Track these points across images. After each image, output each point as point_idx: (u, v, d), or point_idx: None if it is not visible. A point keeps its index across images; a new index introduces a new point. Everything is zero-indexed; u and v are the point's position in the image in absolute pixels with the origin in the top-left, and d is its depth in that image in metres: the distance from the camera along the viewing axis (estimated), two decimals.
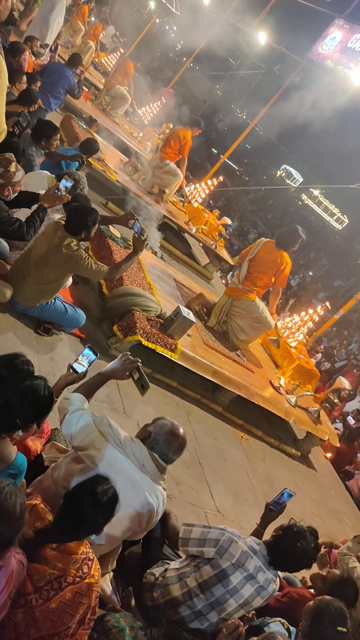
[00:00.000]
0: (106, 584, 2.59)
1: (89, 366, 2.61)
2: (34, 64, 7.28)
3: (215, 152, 9.07)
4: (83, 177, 4.50)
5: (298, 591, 3.22)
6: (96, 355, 2.63)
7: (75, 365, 2.59)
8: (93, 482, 2.01)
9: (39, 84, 6.46)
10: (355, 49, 10.14)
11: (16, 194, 3.37)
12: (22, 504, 1.67)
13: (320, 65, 10.80)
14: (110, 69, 12.30)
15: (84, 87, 9.81)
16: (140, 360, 2.68)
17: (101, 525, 2.01)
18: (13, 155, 3.26)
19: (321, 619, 2.30)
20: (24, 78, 5.62)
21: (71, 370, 2.59)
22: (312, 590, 3.38)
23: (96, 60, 12.70)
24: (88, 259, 3.71)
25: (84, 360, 2.60)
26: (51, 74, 7.25)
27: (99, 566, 2.06)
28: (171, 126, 9.56)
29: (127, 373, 2.65)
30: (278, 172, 34.28)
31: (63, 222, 3.71)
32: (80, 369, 2.59)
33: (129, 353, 2.73)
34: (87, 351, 2.61)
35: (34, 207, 3.71)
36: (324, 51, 10.89)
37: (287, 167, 34.50)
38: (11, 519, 1.63)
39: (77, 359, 2.60)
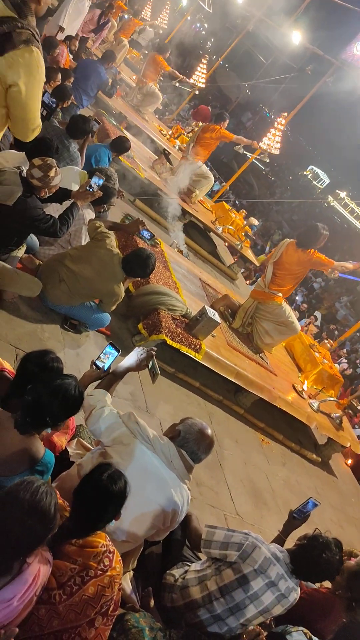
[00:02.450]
0: (126, 583, 2.59)
1: (111, 363, 2.64)
2: (70, 62, 7.33)
3: (241, 151, 8.99)
4: (114, 173, 4.53)
5: (309, 592, 3.17)
6: (118, 351, 2.66)
7: (98, 362, 2.62)
8: (98, 470, 2.02)
9: (72, 80, 6.50)
10: None
11: (51, 194, 3.40)
12: (57, 503, 1.69)
13: (354, 66, 10.65)
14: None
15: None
16: (155, 349, 2.70)
17: (114, 512, 2.01)
18: (54, 161, 3.29)
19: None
20: (59, 75, 5.66)
21: (94, 367, 2.61)
22: (324, 588, 3.32)
23: (129, 57, 12.72)
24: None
25: (107, 358, 2.63)
26: (84, 71, 7.28)
27: (120, 559, 2.07)
28: (200, 124, 9.53)
29: (144, 363, 2.70)
30: (305, 172, 33.99)
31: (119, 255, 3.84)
32: (103, 365, 2.62)
33: (142, 344, 2.76)
34: (109, 348, 2.65)
35: (66, 203, 3.74)
36: (359, 52, 10.72)
37: (314, 168, 34.15)
38: (46, 518, 1.64)
39: (99, 356, 2.63)
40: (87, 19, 8.99)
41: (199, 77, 12.00)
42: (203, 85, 12.14)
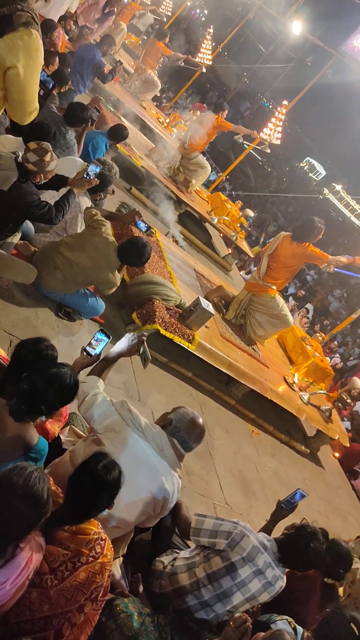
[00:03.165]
0: (116, 569, 2.63)
1: (102, 349, 2.65)
2: (66, 42, 7.23)
3: (240, 141, 8.95)
4: (115, 166, 4.51)
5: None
6: (109, 338, 2.68)
7: (89, 349, 2.63)
8: (93, 460, 2.04)
9: (70, 65, 6.43)
10: None
11: (47, 180, 3.39)
12: (49, 489, 1.71)
13: (354, 58, 10.60)
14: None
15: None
16: (146, 335, 2.73)
17: (108, 501, 2.03)
18: (50, 146, 3.27)
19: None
20: (57, 59, 5.59)
21: (84, 354, 2.63)
22: None
23: (127, 42, 12.57)
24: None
25: (97, 344, 2.64)
26: (82, 55, 7.20)
27: (112, 546, 2.10)
28: (198, 113, 9.48)
29: (135, 348, 2.71)
30: (301, 164, 33.88)
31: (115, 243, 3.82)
32: (93, 352, 2.63)
33: (136, 332, 2.77)
34: (99, 334, 2.66)
35: (62, 190, 3.73)
36: (359, 44, 10.68)
37: (311, 160, 34.05)
38: (39, 503, 1.67)
39: (90, 343, 2.64)
40: (92, 1, 8.76)
41: (205, 55, 11.76)
42: (210, 62, 11.88)
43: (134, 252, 3.81)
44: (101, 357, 2.70)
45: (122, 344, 2.73)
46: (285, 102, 9.46)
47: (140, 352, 2.70)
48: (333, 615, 2.50)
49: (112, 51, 7.45)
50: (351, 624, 2.40)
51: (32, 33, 2.36)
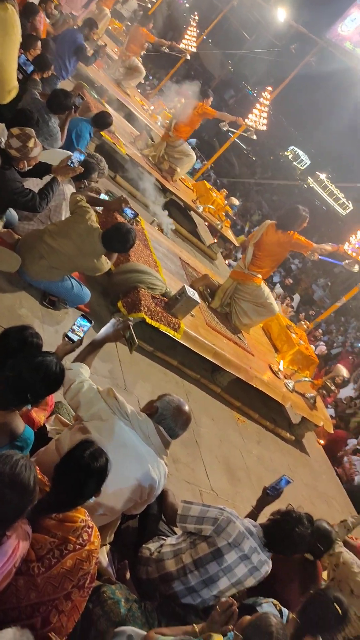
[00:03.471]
0: (103, 556, 2.64)
1: (84, 334, 2.64)
2: (47, 26, 7.09)
3: (226, 128, 8.89)
4: (103, 159, 4.48)
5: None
6: (91, 323, 2.66)
7: (71, 335, 2.61)
8: (80, 448, 2.03)
9: (52, 50, 6.31)
10: None
11: (31, 167, 3.34)
12: (36, 476, 1.71)
13: (338, 46, 10.59)
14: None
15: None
16: (132, 320, 2.72)
17: (95, 488, 2.03)
18: (33, 131, 3.22)
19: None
20: (39, 44, 5.48)
21: (66, 340, 2.61)
22: None
23: (111, 27, 12.39)
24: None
25: (80, 330, 2.62)
26: (64, 40, 7.08)
27: (99, 533, 2.11)
28: (183, 101, 9.41)
29: (120, 333, 2.70)
30: (286, 153, 33.87)
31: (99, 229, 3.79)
32: (75, 337, 2.61)
33: (121, 318, 2.76)
34: (81, 320, 2.64)
35: (46, 178, 3.69)
36: (344, 32, 10.65)
37: (295, 149, 34.04)
38: (26, 491, 1.66)
39: (72, 328, 2.62)
40: None
41: (189, 42, 11.63)
42: (195, 50, 11.74)
43: (118, 239, 3.79)
44: (84, 343, 2.68)
45: (108, 329, 2.71)
46: (269, 88, 9.41)
47: (127, 337, 2.69)
48: (317, 596, 2.56)
49: (95, 36, 7.30)
50: (334, 604, 2.46)
51: (7, 8, 2.31)
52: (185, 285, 4.74)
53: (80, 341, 2.63)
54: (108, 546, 2.72)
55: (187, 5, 25.96)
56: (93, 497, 2.04)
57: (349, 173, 22.15)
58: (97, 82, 8.82)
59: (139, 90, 11.60)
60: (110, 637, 2.14)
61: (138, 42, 9.70)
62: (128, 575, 2.72)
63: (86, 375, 2.57)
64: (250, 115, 8.97)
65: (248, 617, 2.07)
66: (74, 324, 2.62)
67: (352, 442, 8.08)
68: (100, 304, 4.53)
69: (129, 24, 13.11)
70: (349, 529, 4.11)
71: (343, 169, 24.63)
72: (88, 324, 2.64)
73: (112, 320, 2.73)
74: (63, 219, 4.12)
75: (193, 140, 14.13)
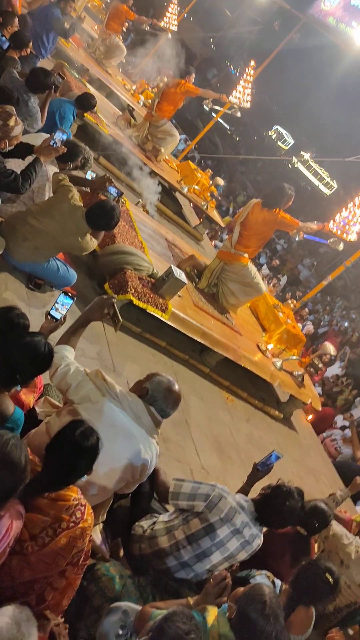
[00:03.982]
0: (96, 535, 2.66)
1: (66, 312, 2.62)
2: (22, 2, 6.90)
3: (209, 106, 8.82)
4: (91, 153, 4.44)
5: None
6: (73, 299, 2.65)
7: (53, 312, 2.60)
8: (71, 427, 2.04)
9: (30, 27, 6.17)
10: (358, 6, 9.83)
11: (12, 147, 3.28)
12: (27, 455, 1.71)
13: (321, 22, 10.48)
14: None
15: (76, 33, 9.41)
16: (115, 297, 2.70)
17: (86, 467, 2.04)
18: (14, 109, 3.15)
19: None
20: (16, 20, 5.35)
21: (50, 318, 2.59)
22: None
23: (89, 5, 12.12)
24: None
25: (60, 306, 2.61)
26: (40, 16, 6.90)
27: (92, 511, 2.12)
28: (165, 79, 9.27)
29: (105, 311, 2.67)
30: (270, 133, 33.67)
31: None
32: (58, 315, 2.60)
33: (105, 295, 2.73)
34: (63, 297, 2.62)
35: (29, 158, 3.62)
36: (326, 7, 10.53)
37: (279, 129, 33.85)
38: (17, 469, 1.66)
39: (55, 307, 2.60)
40: None
41: (171, 20, 11.41)
42: (176, 28, 11.55)
43: (102, 215, 3.74)
44: (68, 321, 2.65)
45: (91, 307, 2.68)
46: (252, 63, 9.29)
47: (111, 314, 2.67)
48: (309, 567, 2.61)
49: (71, 10, 7.07)
50: (326, 574, 2.51)
51: None
52: (172, 266, 4.72)
53: (64, 318, 2.61)
54: (101, 525, 2.73)
55: None
56: (85, 476, 2.05)
57: (333, 150, 22.08)
58: (78, 61, 8.66)
59: (120, 70, 11.41)
60: (106, 613, 2.16)
61: (118, 19, 9.51)
62: (121, 552, 2.75)
63: (71, 357, 2.55)
64: (234, 92, 8.87)
65: (241, 589, 2.10)
66: (56, 302, 2.60)
67: (339, 419, 8.20)
68: (87, 286, 4.50)
69: (108, 1, 12.83)
70: (337, 503, 4.19)
71: (327, 146, 24.55)
72: (70, 301, 2.62)
73: (96, 299, 2.70)
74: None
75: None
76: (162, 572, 2.66)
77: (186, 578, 2.66)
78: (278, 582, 2.71)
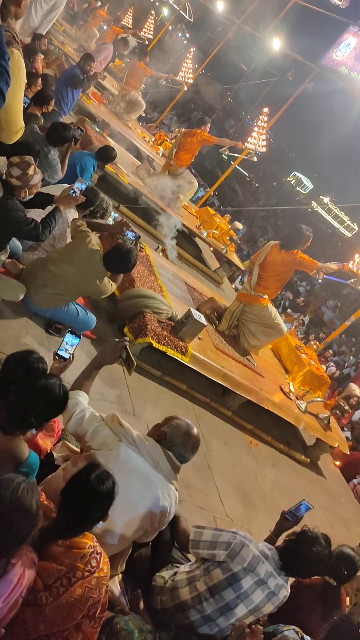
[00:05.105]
0: (115, 586, 2.57)
1: (73, 350, 2.61)
2: (42, 62, 7.28)
3: (226, 158, 9.03)
4: (110, 203, 4.59)
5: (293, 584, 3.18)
6: (79, 337, 2.64)
7: (61, 353, 2.58)
8: (86, 471, 1.99)
9: (53, 87, 6.49)
10: None
11: (32, 196, 3.38)
12: (38, 500, 1.67)
13: (334, 71, 10.78)
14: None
15: (96, 90, 9.86)
16: (127, 340, 2.67)
17: (102, 512, 1.98)
18: (32, 159, 3.27)
19: None
20: (39, 80, 5.65)
21: (58, 358, 2.57)
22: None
23: (110, 65, 12.75)
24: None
25: (68, 346, 2.60)
26: (62, 77, 7.28)
27: (107, 559, 2.04)
28: (182, 130, 9.57)
29: (117, 354, 2.63)
30: (288, 178, 34.25)
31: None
32: (66, 355, 2.58)
33: (117, 339, 2.71)
34: (70, 337, 2.62)
35: (49, 208, 3.73)
36: (338, 57, 10.86)
37: (297, 174, 34.44)
38: (28, 515, 1.62)
39: (61, 346, 2.59)
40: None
41: (186, 73, 11.89)
42: (191, 81, 12.01)
43: (119, 258, 3.80)
44: (73, 359, 2.63)
45: (104, 351, 2.66)
46: (266, 110, 9.56)
47: (124, 357, 2.64)
48: (342, 623, 2.46)
49: (89, 68, 7.38)
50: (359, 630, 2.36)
51: (13, 52, 2.37)
52: (192, 308, 4.73)
53: (72, 358, 2.60)
54: (120, 575, 2.64)
55: (185, 42, 26.73)
56: (101, 522, 1.99)
57: (352, 194, 22.29)
58: (99, 116, 9.02)
59: (140, 123, 11.84)
60: None
61: (136, 76, 9.95)
62: (142, 605, 2.63)
63: (85, 402, 2.52)
64: (249, 139, 9.09)
65: None
66: (63, 341, 2.59)
67: None
68: (107, 331, 4.52)
69: (128, 60, 13.48)
70: None
71: (346, 190, 24.81)
72: (77, 340, 2.62)
73: (108, 342, 2.68)
74: None
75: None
76: (184, 627, 2.53)
77: (210, 633, 2.53)
78: (308, 638, 2.55)
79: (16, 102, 2.49)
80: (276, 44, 11.40)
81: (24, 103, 4.54)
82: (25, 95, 4.68)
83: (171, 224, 6.95)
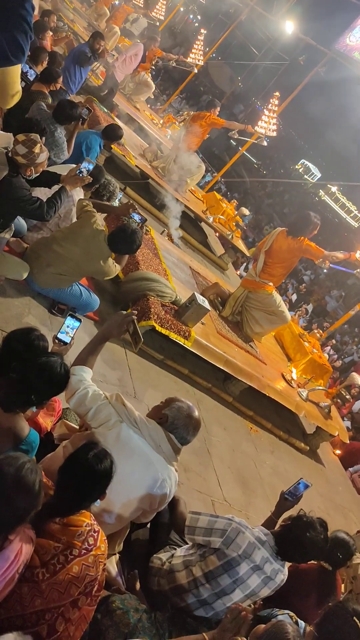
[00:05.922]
0: (112, 566, 2.58)
1: (74, 334, 2.55)
2: (52, 39, 7.17)
3: (234, 143, 8.91)
4: (117, 186, 4.53)
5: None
6: (80, 321, 2.58)
7: (61, 336, 2.52)
8: (84, 449, 1.98)
9: (62, 64, 6.39)
10: None
11: (38, 174, 3.34)
12: (41, 480, 1.67)
13: (347, 57, 10.61)
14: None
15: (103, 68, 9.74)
16: (135, 313, 2.60)
17: (99, 491, 1.98)
18: (39, 137, 3.22)
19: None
20: (47, 57, 5.55)
21: (58, 341, 2.52)
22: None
23: (120, 45, 12.57)
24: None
25: (69, 329, 2.54)
26: (70, 55, 7.17)
27: (105, 538, 2.04)
28: (191, 113, 9.46)
29: (124, 328, 2.56)
30: (296, 166, 33.96)
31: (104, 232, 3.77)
32: (66, 338, 2.53)
33: (124, 311, 2.65)
34: (70, 320, 2.56)
35: (55, 187, 3.69)
36: (352, 42, 10.69)
37: (306, 162, 34.13)
38: (30, 494, 1.62)
39: (61, 330, 2.53)
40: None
41: (197, 55, 11.72)
42: (202, 63, 11.81)
43: (124, 239, 3.76)
44: (72, 343, 2.57)
45: (110, 324, 2.57)
46: (277, 94, 9.42)
47: (131, 332, 2.56)
48: (336, 609, 2.45)
49: (99, 46, 7.25)
50: (354, 617, 2.35)
51: None
52: (196, 293, 4.70)
53: (72, 342, 2.55)
54: (117, 555, 2.65)
55: (196, 24, 26.35)
56: (98, 501, 1.98)
57: None
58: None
59: (148, 105, 11.70)
60: None
61: (146, 57, 9.80)
62: (138, 585, 2.64)
63: (88, 378, 2.47)
64: (259, 123, 8.98)
65: (263, 626, 1.98)
66: (64, 324, 2.53)
67: None
68: (110, 312, 4.49)
69: (138, 41, 13.29)
70: None
71: (355, 179, 24.57)
72: (78, 323, 2.56)
73: (115, 315, 2.60)
74: None
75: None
76: (181, 610, 2.54)
77: (205, 616, 2.54)
78: (302, 623, 2.55)
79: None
80: (289, 27, 11.22)
81: (31, 75, 4.48)
82: (31, 68, 4.62)
83: (175, 207, 6.90)
